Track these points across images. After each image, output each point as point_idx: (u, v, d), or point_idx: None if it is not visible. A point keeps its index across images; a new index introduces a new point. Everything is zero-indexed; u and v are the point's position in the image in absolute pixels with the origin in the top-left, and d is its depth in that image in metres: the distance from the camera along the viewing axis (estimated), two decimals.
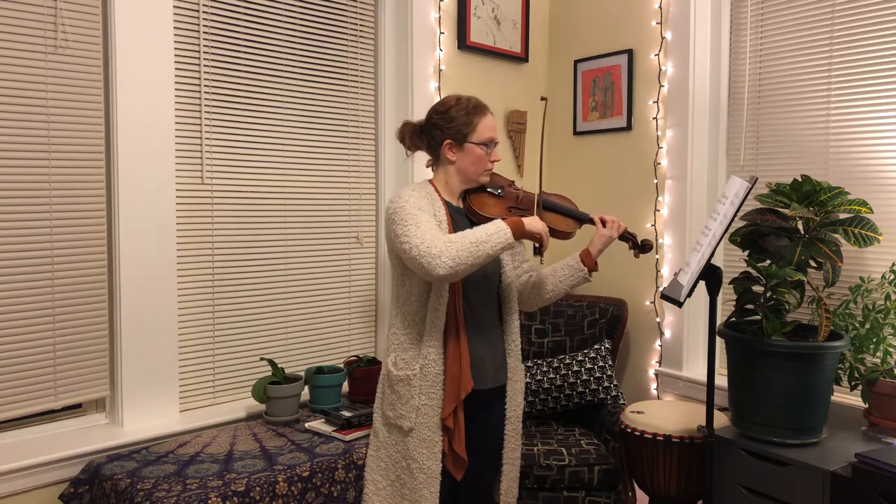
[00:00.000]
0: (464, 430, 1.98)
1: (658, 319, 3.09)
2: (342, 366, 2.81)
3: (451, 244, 1.78)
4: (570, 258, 2.13)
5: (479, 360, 2.01)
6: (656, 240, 3.08)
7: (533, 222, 1.89)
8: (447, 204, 2.03)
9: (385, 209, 2.02)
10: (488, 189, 2.08)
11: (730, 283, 2.23)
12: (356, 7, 2.97)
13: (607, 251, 3.26)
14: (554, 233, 2.08)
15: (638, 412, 2.47)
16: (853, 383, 2.24)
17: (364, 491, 2.05)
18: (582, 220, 2.13)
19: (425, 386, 1.93)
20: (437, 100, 3.05)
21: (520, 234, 1.86)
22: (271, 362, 2.56)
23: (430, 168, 2.11)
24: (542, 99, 2.10)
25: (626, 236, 2.14)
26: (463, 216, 2.05)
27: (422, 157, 2.16)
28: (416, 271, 1.85)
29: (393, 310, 2.04)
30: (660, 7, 3.05)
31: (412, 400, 1.94)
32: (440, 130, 2.00)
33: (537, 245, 1.92)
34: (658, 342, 3.09)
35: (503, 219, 1.88)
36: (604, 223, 2.09)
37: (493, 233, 1.80)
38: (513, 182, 2.16)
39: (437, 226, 1.92)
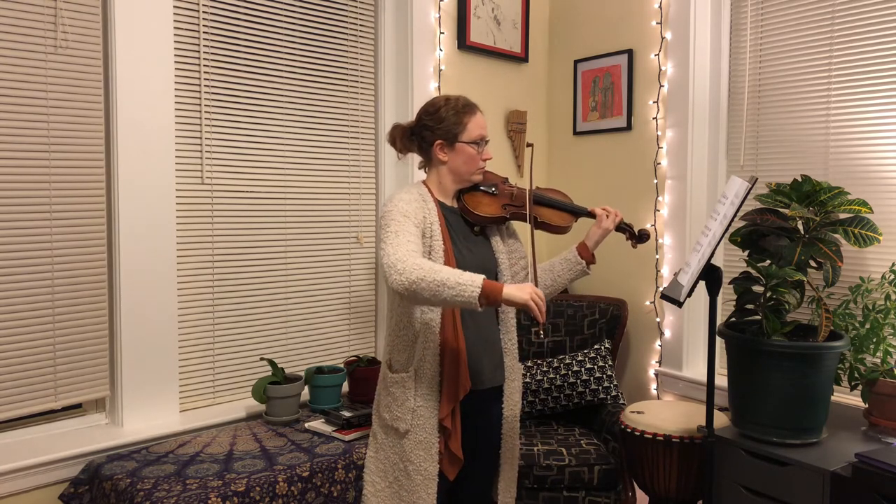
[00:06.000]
0: (460, 429, 1.98)
1: (658, 319, 3.08)
2: (342, 366, 2.81)
3: (420, 269, 1.71)
4: (566, 252, 2.13)
5: (476, 360, 2.00)
6: (656, 240, 3.08)
7: (518, 291, 1.69)
8: (441, 205, 2.02)
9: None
10: (482, 187, 2.08)
11: (730, 283, 2.23)
12: (356, 7, 2.97)
13: (608, 252, 3.26)
14: (549, 227, 2.08)
15: (638, 412, 2.47)
16: (853, 383, 2.24)
17: (363, 492, 2.05)
18: (578, 213, 2.14)
19: (421, 388, 1.93)
20: None
21: (493, 298, 1.67)
22: (271, 362, 2.56)
23: (422, 169, 2.11)
24: (529, 145, 2.10)
25: (623, 226, 2.15)
26: (458, 216, 2.05)
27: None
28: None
29: (389, 311, 2.03)
30: (660, 7, 3.05)
31: (407, 402, 1.93)
32: (430, 132, 2.00)
33: (534, 322, 1.80)
34: (658, 342, 3.08)
35: (486, 280, 1.70)
36: (599, 215, 2.10)
37: (463, 283, 1.68)
38: (506, 179, 2.15)
39: (420, 235, 1.90)
